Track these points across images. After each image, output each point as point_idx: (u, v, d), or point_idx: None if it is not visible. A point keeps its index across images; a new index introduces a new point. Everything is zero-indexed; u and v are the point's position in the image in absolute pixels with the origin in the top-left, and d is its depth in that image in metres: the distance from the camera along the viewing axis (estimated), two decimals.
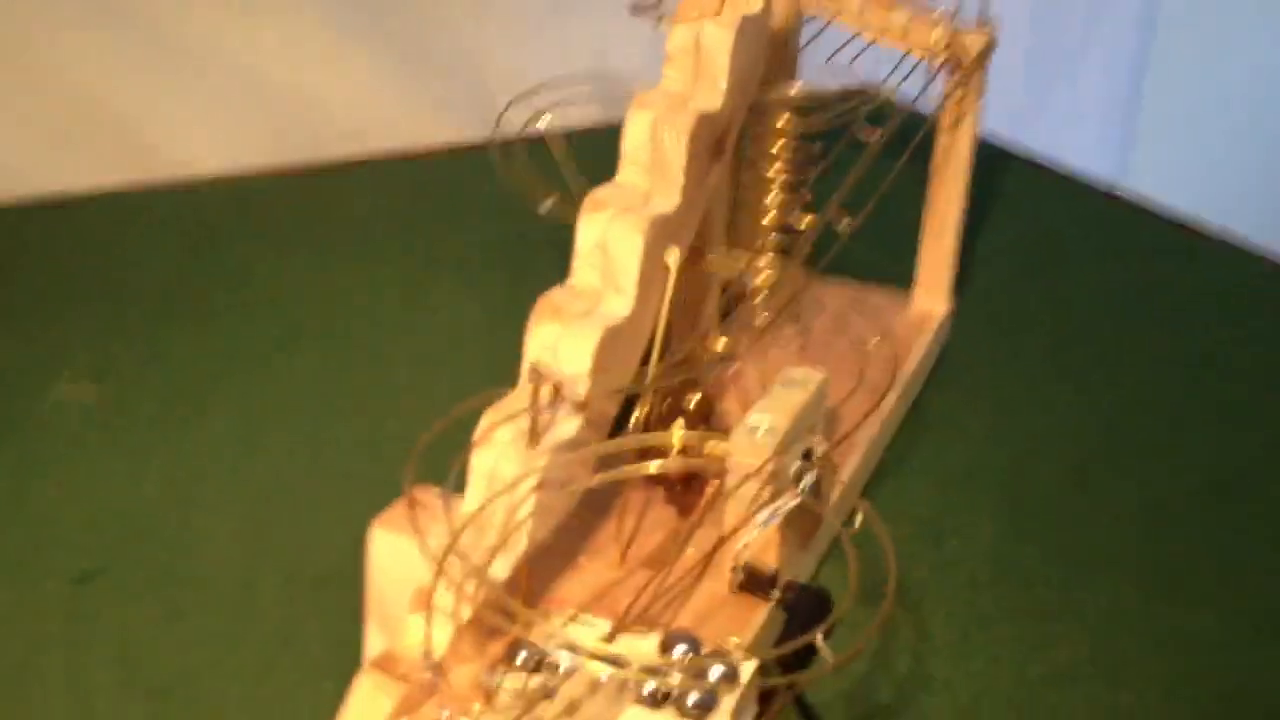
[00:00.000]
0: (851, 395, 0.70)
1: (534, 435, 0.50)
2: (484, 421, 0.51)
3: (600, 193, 0.56)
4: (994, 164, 1.12)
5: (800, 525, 0.58)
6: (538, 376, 0.50)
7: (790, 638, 0.52)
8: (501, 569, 0.49)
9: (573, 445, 0.51)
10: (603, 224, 0.54)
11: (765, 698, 0.52)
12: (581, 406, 0.52)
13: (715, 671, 0.48)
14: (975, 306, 0.89)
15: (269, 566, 0.62)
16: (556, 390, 0.51)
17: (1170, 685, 0.57)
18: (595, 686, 0.46)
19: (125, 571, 0.61)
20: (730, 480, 0.55)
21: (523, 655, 0.47)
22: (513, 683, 0.46)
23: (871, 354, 0.72)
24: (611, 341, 0.52)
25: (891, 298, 0.85)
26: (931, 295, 0.84)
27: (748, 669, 0.48)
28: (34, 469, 0.69)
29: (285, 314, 0.85)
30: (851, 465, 0.66)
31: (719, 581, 0.57)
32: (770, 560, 0.56)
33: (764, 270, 0.70)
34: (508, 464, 0.50)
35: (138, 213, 0.99)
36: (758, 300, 0.72)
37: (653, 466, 0.53)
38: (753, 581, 0.55)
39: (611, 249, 0.54)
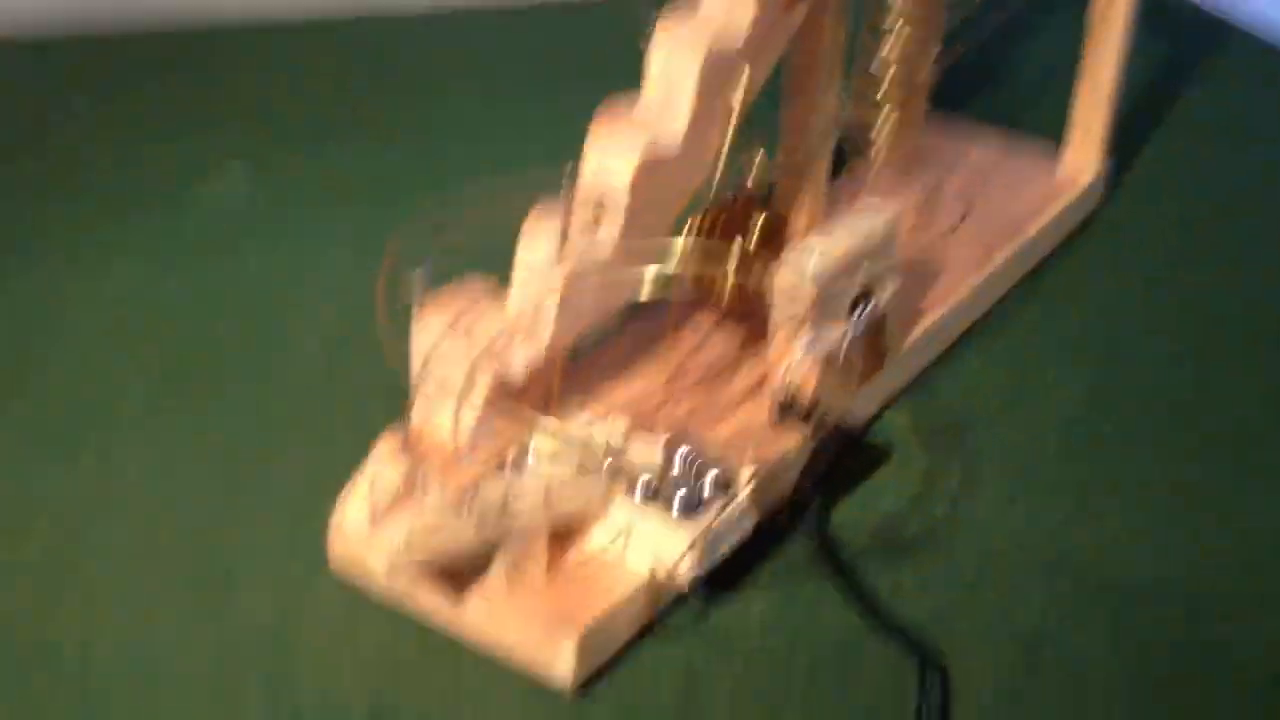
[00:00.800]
0: (955, 248, 0.68)
1: (565, 237, 0.51)
2: (529, 222, 0.53)
3: (673, 19, 0.56)
4: (1214, 35, 1.06)
5: (859, 362, 0.58)
6: (573, 184, 0.52)
7: (813, 470, 0.53)
8: (519, 359, 0.51)
9: (602, 251, 0.52)
10: (667, 50, 0.54)
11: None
12: (619, 218, 0.52)
13: (710, 477, 0.49)
14: (1146, 173, 0.85)
15: (353, 374, 0.64)
16: (600, 201, 0.52)
17: (1217, 566, 0.55)
18: (584, 473, 0.47)
19: (221, 364, 0.66)
20: (775, 304, 0.55)
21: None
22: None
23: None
24: (656, 162, 0.53)
25: (1042, 156, 0.81)
26: (1081, 159, 0.80)
27: (743, 477, 0.49)
28: (164, 259, 0.74)
29: (429, 145, 0.88)
30: (937, 315, 0.65)
31: (764, 409, 0.57)
32: (809, 391, 0.56)
33: (879, 118, 0.70)
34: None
35: (331, 41, 1.04)
36: (876, 149, 0.72)
37: (661, 276, 0.53)
38: (784, 410, 0.56)
39: (672, 75, 0.54)
